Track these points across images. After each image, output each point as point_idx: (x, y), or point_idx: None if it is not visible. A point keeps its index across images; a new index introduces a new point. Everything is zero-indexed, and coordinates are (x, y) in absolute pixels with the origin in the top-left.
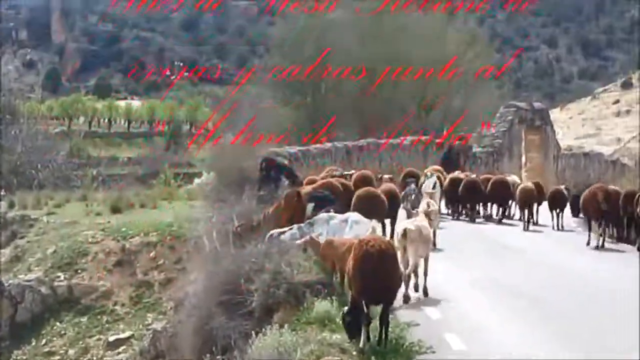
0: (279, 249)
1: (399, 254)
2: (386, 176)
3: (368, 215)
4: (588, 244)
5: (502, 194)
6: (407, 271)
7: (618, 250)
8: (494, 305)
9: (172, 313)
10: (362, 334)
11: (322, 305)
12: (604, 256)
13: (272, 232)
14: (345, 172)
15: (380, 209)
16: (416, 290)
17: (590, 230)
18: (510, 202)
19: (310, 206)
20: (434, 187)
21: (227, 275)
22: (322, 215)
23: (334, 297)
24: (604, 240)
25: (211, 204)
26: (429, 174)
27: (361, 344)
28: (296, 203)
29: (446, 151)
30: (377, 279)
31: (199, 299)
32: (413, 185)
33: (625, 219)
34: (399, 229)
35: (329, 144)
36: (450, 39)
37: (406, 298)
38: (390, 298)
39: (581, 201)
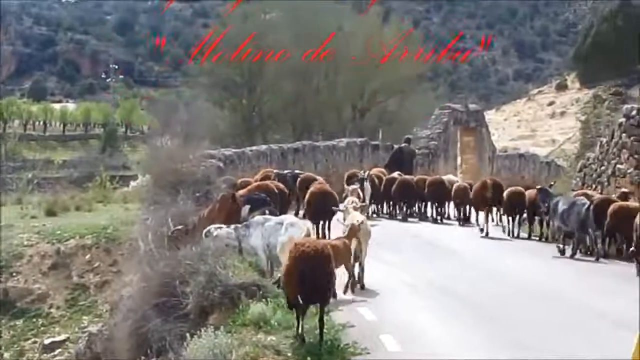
0: (214, 251)
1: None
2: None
3: (322, 211)
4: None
5: (438, 193)
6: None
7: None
8: (429, 306)
9: (108, 316)
10: (297, 333)
11: (257, 307)
12: (540, 257)
13: (209, 227)
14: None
15: (334, 204)
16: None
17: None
18: (446, 202)
19: (246, 208)
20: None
21: (162, 278)
22: (258, 217)
23: (269, 299)
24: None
25: (146, 206)
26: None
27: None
28: (231, 205)
29: (395, 152)
30: (312, 279)
31: (134, 302)
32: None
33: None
34: (348, 223)
35: (264, 146)
36: (385, 40)
37: (352, 286)
38: (325, 298)
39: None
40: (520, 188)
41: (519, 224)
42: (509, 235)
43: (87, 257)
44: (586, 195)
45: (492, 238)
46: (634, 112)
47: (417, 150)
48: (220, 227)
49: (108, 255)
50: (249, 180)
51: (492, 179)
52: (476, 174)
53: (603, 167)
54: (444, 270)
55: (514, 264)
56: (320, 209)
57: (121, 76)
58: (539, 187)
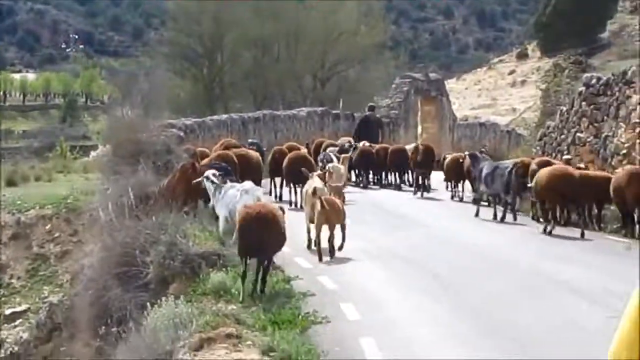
0: (174, 220)
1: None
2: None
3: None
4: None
5: (400, 162)
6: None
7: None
8: (390, 275)
9: (69, 286)
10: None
11: (217, 276)
12: (500, 227)
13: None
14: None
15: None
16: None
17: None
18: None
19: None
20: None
21: (122, 248)
22: (226, 185)
23: (229, 268)
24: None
25: (107, 176)
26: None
27: (240, 297)
28: (191, 175)
29: (361, 121)
30: (252, 237)
31: (95, 271)
32: (329, 153)
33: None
34: (308, 188)
35: (225, 116)
36: (346, 9)
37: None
38: (265, 253)
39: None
40: (459, 154)
41: (463, 189)
42: (452, 198)
43: (48, 227)
44: (548, 162)
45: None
46: (593, 81)
47: (382, 119)
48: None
49: (68, 225)
50: (205, 151)
51: (424, 145)
52: (437, 143)
53: (563, 136)
54: (404, 238)
55: (470, 232)
56: (296, 174)
57: (81, 46)
58: (468, 152)
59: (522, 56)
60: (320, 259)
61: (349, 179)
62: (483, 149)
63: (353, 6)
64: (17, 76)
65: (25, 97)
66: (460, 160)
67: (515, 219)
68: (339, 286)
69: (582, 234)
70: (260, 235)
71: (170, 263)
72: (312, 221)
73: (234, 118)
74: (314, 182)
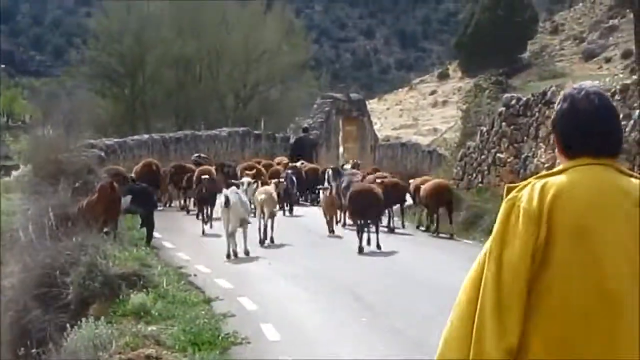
0: (94, 241)
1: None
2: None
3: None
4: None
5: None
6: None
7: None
8: (310, 296)
9: None
10: None
11: (137, 298)
12: (426, 247)
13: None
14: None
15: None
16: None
17: None
18: None
19: (127, 198)
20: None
21: (43, 268)
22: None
23: (149, 289)
24: None
25: (27, 196)
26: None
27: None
28: (110, 195)
29: (294, 142)
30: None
31: (15, 292)
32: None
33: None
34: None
35: (146, 136)
36: (267, 29)
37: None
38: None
39: None
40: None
41: None
42: None
43: None
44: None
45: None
46: (513, 102)
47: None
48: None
49: None
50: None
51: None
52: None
53: (483, 156)
54: (324, 258)
55: (397, 254)
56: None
57: (2, 65)
58: (332, 167)
59: (444, 76)
60: None
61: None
62: (344, 164)
63: (275, 25)
64: None
65: None
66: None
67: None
68: (259, 307)
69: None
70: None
71: (90, 284)
72: None
73: (155, 138)
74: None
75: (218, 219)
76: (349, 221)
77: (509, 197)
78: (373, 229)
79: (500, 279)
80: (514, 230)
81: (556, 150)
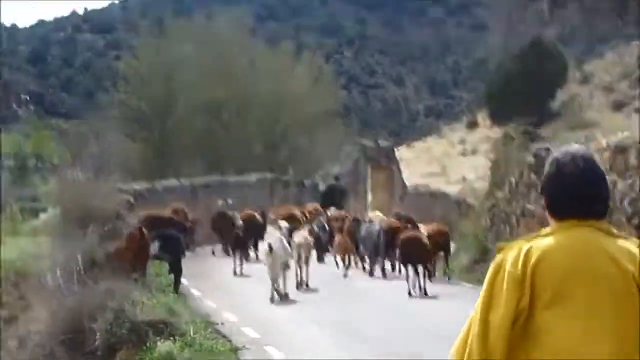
0: (122, 287)
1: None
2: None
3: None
4: None
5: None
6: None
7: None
8: (339, 346)
9: (15, 351)
10: None
11: (164, 346)
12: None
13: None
14: None
15: None
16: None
17: None
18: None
19: (155, 245)
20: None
21: (70, 314)
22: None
23: (176, 337)
24: None
25: (55, 240)
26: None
27: None
28: (139, 241)
29: (325, 190)
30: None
31: (42, 338)
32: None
33: None
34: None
35: (174, 181)
36: (297, 75)
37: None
38: None
39: None
40: None
41: None
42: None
43: None
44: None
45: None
46: (542, 152)
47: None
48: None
49: (16, 289)
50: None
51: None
52: (386, 211)
53: (512, 207)
54: (355, 307)
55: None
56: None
57: (32, 107)
58: (353, 217)
59: (473, 125)
60: None
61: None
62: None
63: (304, 71)
64: None
65: None
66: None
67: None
68: (286, 357)
69: None
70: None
71: (118, 330)
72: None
73: (184, 184)
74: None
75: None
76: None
77: (496, 259)
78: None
79: (485, 341)
80: (500, 293)
81: (545, 212)
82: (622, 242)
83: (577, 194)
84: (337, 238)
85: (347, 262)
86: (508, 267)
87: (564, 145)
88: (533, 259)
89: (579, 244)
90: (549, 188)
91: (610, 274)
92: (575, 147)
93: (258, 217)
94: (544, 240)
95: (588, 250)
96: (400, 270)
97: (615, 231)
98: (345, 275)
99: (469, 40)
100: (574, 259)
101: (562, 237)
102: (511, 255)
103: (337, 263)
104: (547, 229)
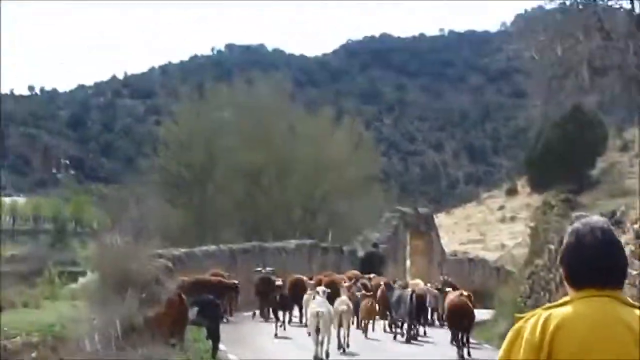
0: (161, 352)
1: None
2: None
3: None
4: None
5: None
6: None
7: None
8: None
9: None
10: None
11: None
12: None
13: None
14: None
15: None
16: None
17: None
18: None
19: (193, 310)
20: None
21: None
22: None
23: None
24: None
25: (94, 304)
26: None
27: None
28: (178, 307)
29: (364, 257)
30: None
31: None
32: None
33: None
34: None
35: (213, 247)
36: (336, 141)
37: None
38: None
39: None
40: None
41: None
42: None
43: (33, 354)
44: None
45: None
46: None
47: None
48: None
49: (54, 353)
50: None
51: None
52: (425, 278)
53: (551, 275)
54: None
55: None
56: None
57: (72, 171)
58: (384, 281)
59: (512, 192)
60: None
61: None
62: (395, 280)
63: (344, 137)
64: (7, 200)
65: (15, 221)
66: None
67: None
68: None
69: None
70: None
71: None
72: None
73: (223, 249)
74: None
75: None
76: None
77: (515, 326)
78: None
79: None
80: (516, 359)
81: (564, 281)
82: (638, 312)
83: (595, 265)
84: (364, 302)
85: (368, 325)
86: (526, 334)
87: (592, 215)
88: (551, 327)
89: (597, 314)
90: (569, 258)
91: (627, 344)
92: (595, 219)
93: (306, 281)
94: (563, 309)
95: (606, 320)
96: (425, 333)
97: (631, 301)
98: (365, 337)
99: (508, 107)
100: (592, 328)
101: (580, 306)
102: (530, 323)
103: (360, 326)
104: (566, 298)
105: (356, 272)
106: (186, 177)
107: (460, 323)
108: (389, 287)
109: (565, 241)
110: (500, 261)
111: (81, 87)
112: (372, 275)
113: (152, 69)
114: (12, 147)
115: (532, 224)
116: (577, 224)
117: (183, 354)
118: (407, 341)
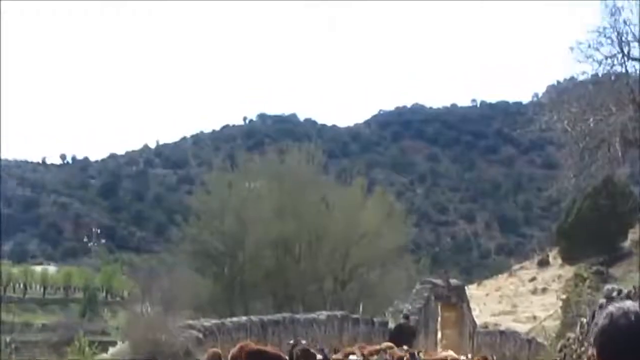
0: None
1: None
2: None
3: None
4: None
5: None
6: None
7: None
8: None
9: None
10: None
11: None
12: None
13: None
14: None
15: None
16: None
17: None
18: None
19: None
20: None
21: None
22: None
23: None
24: None
25: None
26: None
27: None
28: None
29: (394, 329)
30: None
31: None
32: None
33: None
34: None
35: (244, 318)
36: (368, 212)
37: None
38: None
39: None
40: None
41: None
42: None
43: None
44: None
45: None
46: (614, 293)
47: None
48: None
49: None
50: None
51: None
52: (456, 350)
53: (583, 348)
54: None
55: None
56: None
57: (103, 240)
58: (409, 352)
59: (544, 263)
60: None
61: None
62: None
63: (375, 208)
64: (38, 268)
65: (46, 290)
66: None
67: None
68: None
69: None
70: None
71: None
72: None
73: (254, 320)
74: None
75: None
76: None
77: None
78: None
79: None
80: None
81: None
82: None
83: (628, 347)
84: None
85: None
86: None
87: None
88: None
89: None
90: (602, 340)
91: None
92: (628, 303)
93: (358, 354)
94: None
95: None
96: None
97: None
98: None
99: (540, 178)
100: None
101: None
102: None
103: None
104: None
105: (391, 344)
106: (217, 246)
107: None
108: (413, 357)
109: (599, 323)
110: (531, 333)
111: (113, 156)
112: (404, 348)
113: (184, 139)
114: (44, 215)
115: (563, 296)
116: (611, 308)
117: None
118: None
